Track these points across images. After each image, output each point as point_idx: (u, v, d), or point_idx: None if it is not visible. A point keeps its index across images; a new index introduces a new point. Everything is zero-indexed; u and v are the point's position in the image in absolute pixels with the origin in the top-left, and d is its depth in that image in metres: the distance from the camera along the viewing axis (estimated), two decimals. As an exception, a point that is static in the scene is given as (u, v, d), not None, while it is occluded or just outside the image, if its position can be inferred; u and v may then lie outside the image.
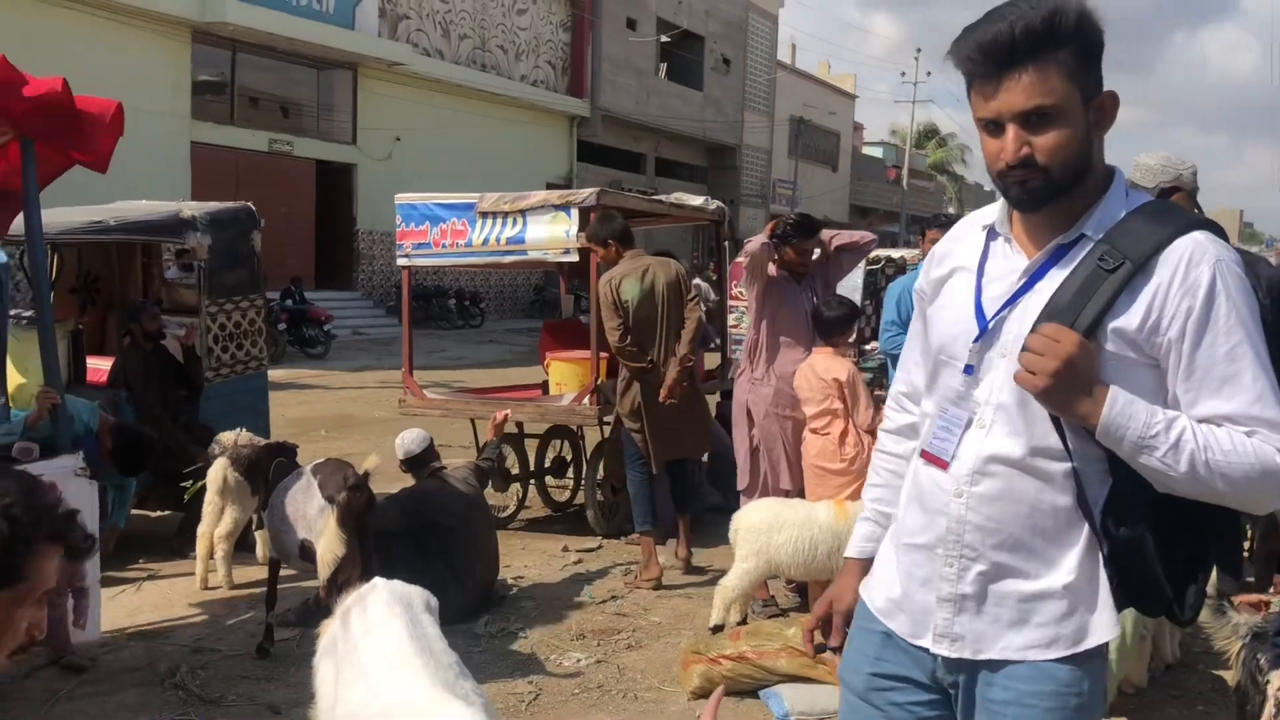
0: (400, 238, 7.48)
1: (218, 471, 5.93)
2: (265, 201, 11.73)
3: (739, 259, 6.92)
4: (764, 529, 5.17)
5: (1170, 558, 1.81)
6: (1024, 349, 1.76)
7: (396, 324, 20.94)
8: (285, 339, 18.14)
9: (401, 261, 7.60)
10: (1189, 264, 1.76)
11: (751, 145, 39.91)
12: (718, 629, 5.19)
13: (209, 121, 21.61)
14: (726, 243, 9.19)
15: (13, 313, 6.54)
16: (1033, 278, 1.87)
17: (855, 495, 5.33)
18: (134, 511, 7.42)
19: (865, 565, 2.12)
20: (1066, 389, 1.73)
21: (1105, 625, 1.86)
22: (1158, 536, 1.79)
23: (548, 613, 5.74)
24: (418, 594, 2.44)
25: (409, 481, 6.04)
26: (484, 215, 7.08)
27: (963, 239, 2.01)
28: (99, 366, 7.36)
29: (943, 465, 1.91)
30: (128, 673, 4.91)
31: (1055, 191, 1.81)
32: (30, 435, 4.87)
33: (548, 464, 7.95)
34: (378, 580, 2.52)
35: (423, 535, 5.50)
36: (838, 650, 2.11)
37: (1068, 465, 1.82)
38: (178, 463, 6.58)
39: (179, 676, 4.78)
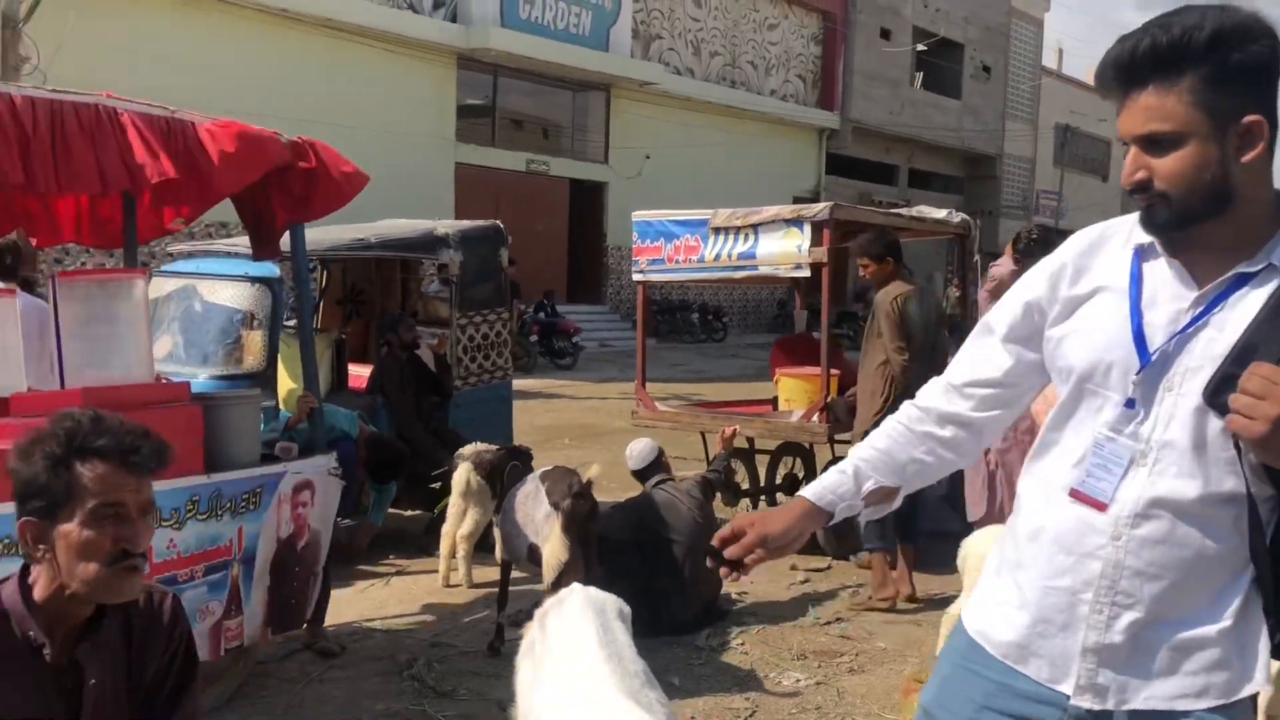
0: (636, 254, 7.66)
1: (462, 475, 6.24)
2: (521, 219, 12.31)
3: (986, 285, 6.67)
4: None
5: None
6: (1238, 391, 1.60)
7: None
8: (536, 350, 18.89)
9: (637, 277, 7.78)
10: None
11: (1013, 154, 38.38)
12: (944, 657, 5.00)
13: (471, 143, 22.84)
14: (975, 257, 8.85)
15: (287, 323, 7.14)
16: (1209, 306, 1.72)
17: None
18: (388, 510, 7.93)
19: (816, 512, 1.99)
20: None
21: (1260, 675, 1.74)
22: None
23: (770, 630, 5.70)
24: (611, 601, 2.49)
25: (638, 489, 6.16)
26: (717, 231, 7.15)
27: (1101, 254, 1.85)
28: (360, 374, 7.91)
29: (1100, 507, 1.76)
30: (372, 661, 5.24)
31: (1182, 219, 1.71)
32: (291, 435, 5.28)
33: (779, 480, 7.90)
34: (575, 586, 2.59)
35: (647, 545, 5.60)
36: (734, 569, 1.97)
37: (1241, 508, 1.69)
38: (427, 465, 7.00)
39: (416, 668, 5.06)
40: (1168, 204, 1.70)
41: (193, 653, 2.21)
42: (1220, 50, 1.63)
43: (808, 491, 2.00)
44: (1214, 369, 1.67)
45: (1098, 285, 1.83)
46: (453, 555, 6.47)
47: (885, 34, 32.83)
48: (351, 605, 5.96)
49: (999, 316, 1.96)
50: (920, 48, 33.68)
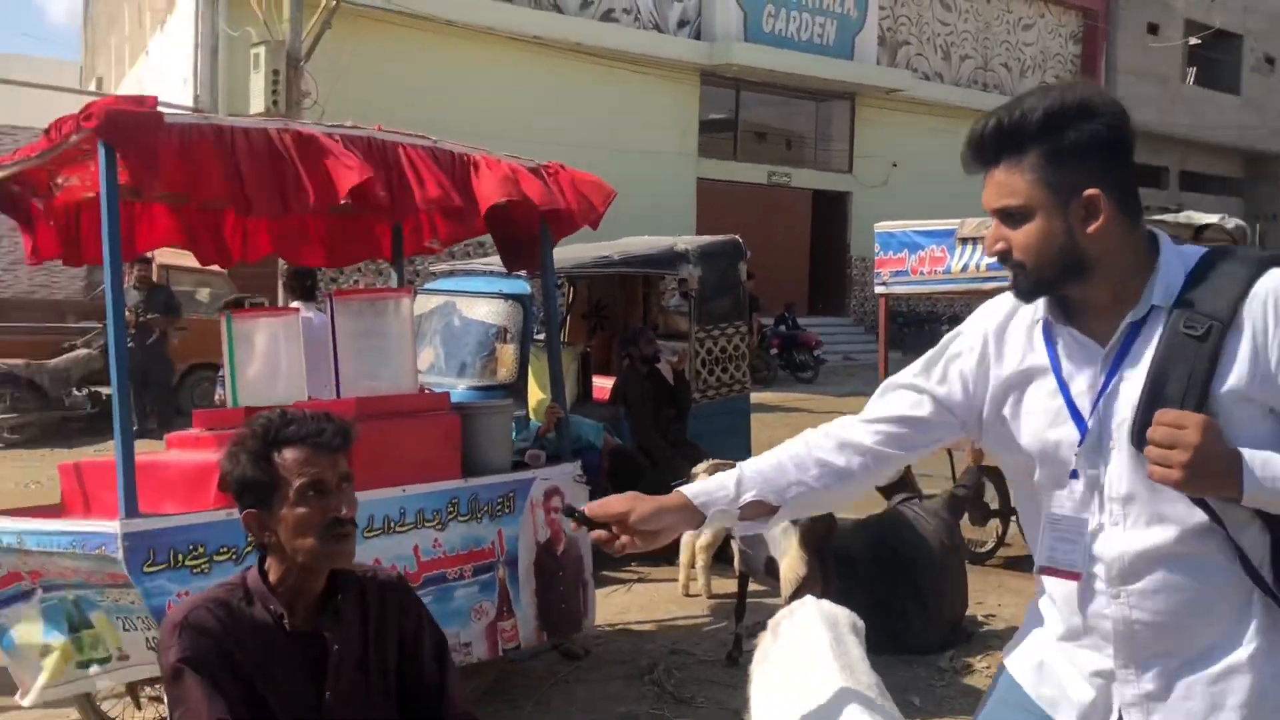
0: (879, 265, 7.54)
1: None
2: (763, 231, 12.28)
3: None
4: None
5: None
6: (1149, 443, 1.69)
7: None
8: (777, 363, 18.86)
9: (879, 289, 7.66)
10: (1276, 301, 1.72)
11: (1300, 153, 35.31)
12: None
13: (714, 158, 23.10)
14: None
15: (537, 336, 7.48)
16: (1115, 361, 1.81)
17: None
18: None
19: (690, 509, 1.97)
20: (1203, 473, 1.66)
21: None
22: None
23: (1017, 655, 5.48)
24: (844, 614, 2.47)
25: (881, 506, 6.07)
26: (964, 241, 6.95)
27: (1015, 332, 1.93)
28: (603, 385, 8.17)
29: (1075, 577, 1.83)
30: (614, 665, 5.40)
31: (1040, 285, 1.83)
32: (540, 444, 5.53)
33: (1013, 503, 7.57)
34: (808, 598, 2.59)
35: (888, 563, 5.51)
36: (584, 523, 1.97)
37: (1221, 535, 1.74)
38: (667, 476, 7.14)
39: (656, 674, 5.18)
40: (1025, 272, 1.82)
41: (435, 627, 2.38)
42: (1056, 129, 1.75)
43: (687, 488, 2.01)
44: (1132, 420, 1.75)
45: (1023, 367, 1.90)
46: (692, 565, 6.57)
47: (1153, 29, 30.92)
48: (598, 608, 6.15)
49: (925, 368, 2.01)
50: (1193, 41, 31.49)
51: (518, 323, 6.87)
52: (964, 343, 1.99)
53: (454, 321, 7.12)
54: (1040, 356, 1.87)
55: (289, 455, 2.15)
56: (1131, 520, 1.78)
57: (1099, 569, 1.80)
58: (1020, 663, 1.99)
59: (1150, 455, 1.69)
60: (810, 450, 2.02)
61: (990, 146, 1.81)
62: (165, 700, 2.29)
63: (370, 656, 2.25)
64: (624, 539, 1.97)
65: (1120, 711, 1.82)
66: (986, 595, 6.47)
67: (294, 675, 2.16)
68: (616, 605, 6.43)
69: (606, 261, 7.47)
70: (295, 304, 6.52)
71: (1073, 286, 1.82)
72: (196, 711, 2.03)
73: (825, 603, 2.54)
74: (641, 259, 7.70)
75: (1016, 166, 1.79)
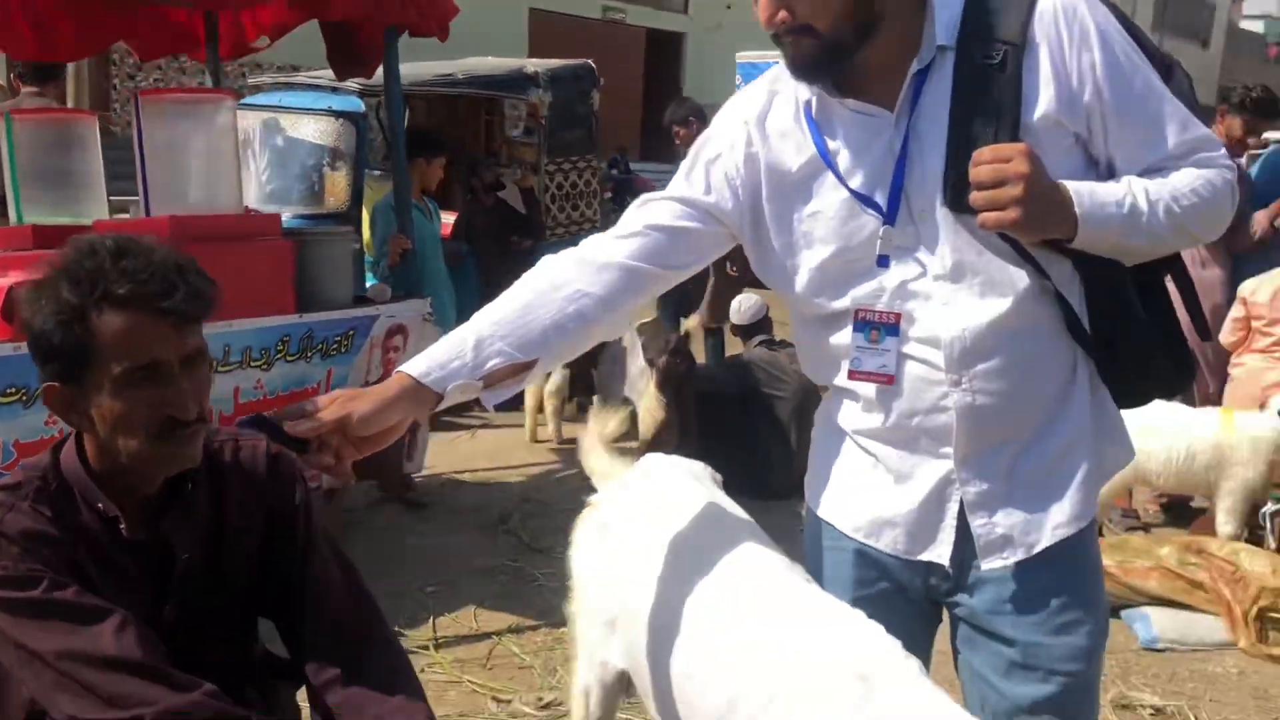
0: (738, 99, 7.16)
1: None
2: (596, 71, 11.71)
3: None
4: (1136, 433, 4.58)
5: (1165, 334, 1.69)
6: (973, 188, 1.50)
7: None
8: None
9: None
10: (1066, 18, 1.58)
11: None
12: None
13: (546, -13, 22.00)
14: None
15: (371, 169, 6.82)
16: (908, 121, 1.60)
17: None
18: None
19: (421, 392, 1.56)
20: (1040, 207, 1.50)
21: (1127, 449, 1.76)
22: (1147, 319, 1.67)
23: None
24: (700, 467, 2.16)
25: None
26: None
27: (773, 129, 1.69)
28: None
29: (888, 380, 1.64)
30: (464, 514, 5.08)
31: (834, 50, 1.58)
32: (385, 279, 5.03)
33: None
34: (659, 457, 2.26)
35: (749, 404, 5.31)
36: (287, 444, 1.51)
37: (1051, 294, 1.61)
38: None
39: (511, 524, 4.88)
40: (815, 38, 1.58)
41: (311, 504, 1.89)
42: None
43: (410, 366, 1.58)
44: (942, 179, 1.58)
45: (799, 162, 1.67)
46: (540, 410, 6.25)
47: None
48: (440, 455, 5.78)
49: (685, 177, 1.75)
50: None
51: (350, 144, 6.19)
52: (721, 142, 1.73)
53: (276, 142, 6.38)
54: (811, 147, 1.66)
55: (114, 322, 1.53)
56: (964, 296, 1.60)
57: (937, 358, 1.61)
58: (828, 503, 1.80)
59: (977, 201, 1.50)
60: (558, 284, 1.67)
61: None
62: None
63: (225, 558, 1.76)
64: (345, 455, 1.54)
65: (963, 514, 1.67)
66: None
67: (131, 588, 1.65)
68: (461, 453, 6.07)
69: (449, 80, 6.82)
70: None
71: (866, 48, 1.60)
72: (99, 633, 1.53)
73: (675, 457, 2.22)
74: (488, 80, 7.09)
75: None
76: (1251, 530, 4.57)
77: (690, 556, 1.85)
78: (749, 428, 5.23)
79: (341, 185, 6.32)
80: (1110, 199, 1.55)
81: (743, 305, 5.67)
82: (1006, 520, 1.66)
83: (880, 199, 1.61)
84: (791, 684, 1.52)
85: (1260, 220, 5.31)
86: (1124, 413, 1.71)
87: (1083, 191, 1.54)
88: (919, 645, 1.75)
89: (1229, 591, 3.92)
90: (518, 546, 4.65)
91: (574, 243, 1.83)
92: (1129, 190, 1.56)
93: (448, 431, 6.39)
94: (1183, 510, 5.24)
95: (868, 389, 1.68)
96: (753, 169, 1.70)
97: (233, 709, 1.58)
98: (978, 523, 1.66)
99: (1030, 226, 1.51)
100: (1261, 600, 3.88)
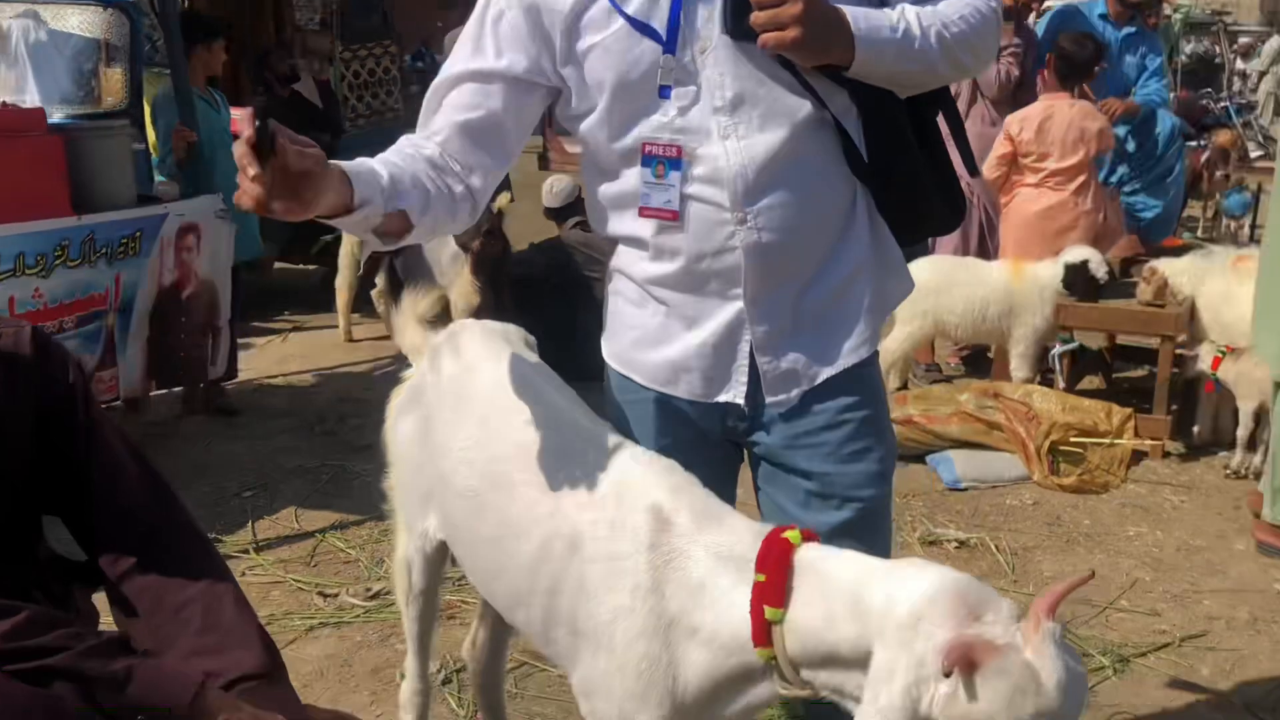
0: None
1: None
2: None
3: None
4: (932, 289, 4.79)
5: (937, 168, 1.73)
6: (753, 9, 1.48)
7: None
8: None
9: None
10: None
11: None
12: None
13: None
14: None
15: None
16: None
17: (1044, 256, 4.88)
18: (278, 265, 7.44)
19: (344, 188, 1.42)
20: (819, 28, 1.49)
21: (906, 282, 1.81)
22: (921, 152, 1.70)
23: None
24: (513, 329, 2.11)
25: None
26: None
27: None
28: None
29: (672, 216, 1.63)
30: (279, 418, 4.92)
31: None
32: (173, 176, 4.74)
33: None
34: (464, 321, 2.20)
35: (567, 286, 5.28)
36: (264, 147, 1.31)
37: (830, 126, 1.62)
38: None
39: (329, 424, 4.76)
40: None
41: (89, 388, 1.76)
42: None
43: (347, 164, 1.48)
44: (720, 4, 1.56)
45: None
46: (353, 310, 6.08)
47: None
48: (250, 361, 5.57)
49: (474, 48, 1.67)
50: None
51: (124, 36, 5.72)
52: (500, 1, 1.66)
53: (39, 37, 5.86)
54: None
55: None
56: (744, 128, 1.59)
57: (721, 196, 1.61)
58: (624, 356, 1.80)
59: (758, 20, 1.49)
60: (426, 171, 1.60)
61: None
62: None
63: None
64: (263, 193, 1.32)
65: (751, 359, 1.70)
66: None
67: None
68: (273, 356, 5.87)
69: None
70: None
71: None
72: None
73: (487, 321, 2.16)
74: (270, -37, 6.66)
75: None
76: (1043, 375, 4.86)
77: (498, 418, 1.81)
78: (566, 311, 5.20)
79: (118, 82, 5.86)
80: (885, 24, 1.56)
81: (554, 187, 5.59)
82: (793, 356, 1.70)
83: (659, 26, 1.57)
84: (594, 528, 1.53)
85: (1112, 103, 5.45)
86: (923, 268, 1.74)
87: (858, 15, 1.54)
88: (725, 488, 1.79)
89: (1023, 430, 4.17)
90: (337, 446, 4.54)
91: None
92: (902, 16, 1.57)
93: (258, 337, 6.16)
94: (980, 362, 5.53)
95: (659, 238, 1.67)
96: (533, 14, 1.63)
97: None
98: (764, 361, 1.69)
99: (810, 46, 1.50)
100: (1052, 435, 4.15)
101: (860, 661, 1.28)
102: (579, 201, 5.63)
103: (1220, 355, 4.14)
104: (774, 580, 1.35)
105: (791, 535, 1.41)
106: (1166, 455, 4.39)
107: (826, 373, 1.70)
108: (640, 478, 1.54)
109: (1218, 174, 8.29)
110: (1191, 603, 3.26)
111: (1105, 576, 3.41)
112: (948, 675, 1.19)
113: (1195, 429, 4.46)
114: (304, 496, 4.05)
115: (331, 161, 1.43)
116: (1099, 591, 3.31)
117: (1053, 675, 1.19)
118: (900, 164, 1.68)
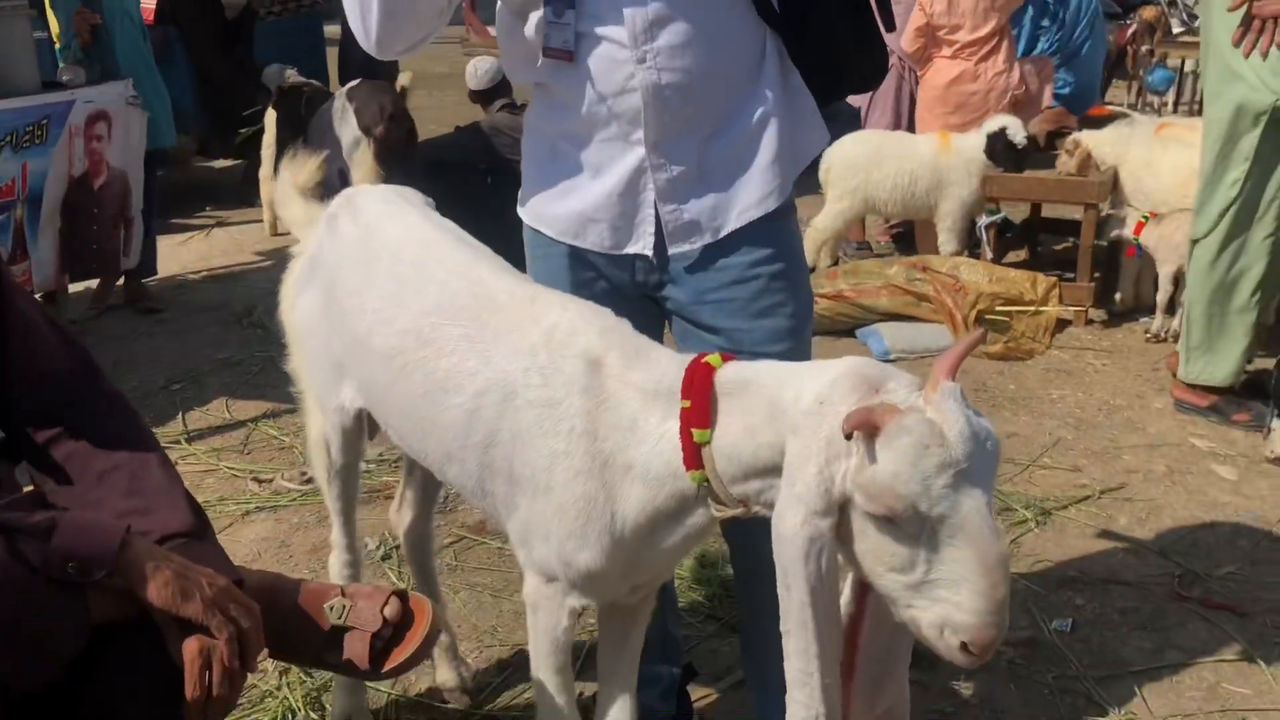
0: None
1: (272, 116, 5.63)
2: None
3: None
4: (862, 165, 4.79)
5: (853, 14, 1.71)
6: None
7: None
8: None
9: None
10: None
11: None
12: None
13: None
14: None
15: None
16: None
17: (964, 128, 4.90)
18: (199, 163, 7.24)
19: None
20: None
21: (819, 138, 1.78)
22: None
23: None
24: (412, 192, 2.04)
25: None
26: None
27: None
28: (144, 5, 6.89)
29: (568, 56, 1.61)
30: (204, 312, 4.84)
31: None
32: (79, 62, 4.55)
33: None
34: (358, 186, 2.12)
35: (494, 170, 5.20)
36: None
37: None
38: (234, 104, 6.28)
39: (256, 315, 4.68)
40: None
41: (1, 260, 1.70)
42: None
43: None
44: None
45: None
46: (277, 202, 5.93)
47: None
48: (172, 258, 5.44)
49: None
50: None
51: (17, -83, 5.44)
52: None
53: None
54: None
55: None
56: None
57: (620, 34, 1.59)
58: (535, 210, 1.80)
59: None
60: None
61: None
62: None
63: None
64: None
65: (656, 209, 1.69)
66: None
67: None
68: (196, 252, 5.74)
69: None
70: None
71: None
72: None
73: (382, 185, 2.09)
74: None
75: None
76: (970, 249, 4.92)
77: (413, 274, 1.76)
78: (495, 195, 5.12)
79: (13, -36, 5.60)
80: None
81: (478, 69, 5.45)
82: (696, 206, 1.68)
83: None
84: (526, 376, 1.52)
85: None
86: (850, 144, 1.72)
87: None
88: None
89: (951, 300, 4.23)
90: (265, 338, 4.47)
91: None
92: None
93: (180, 234, 6.01)
94: (909, 241, 5.57)
95: (561, 83, 1.65)
96: None
97: None
98: (667, 210, 1.68)
99: None
100: (980, 305, 4.22)
101: (781, 467, 1.30)
102: (504, 84, 5.51)
103: (1143, 220, 4.22)
104: (698, 404, 1.37)
105: (712, 359, 1.42)
106: (1090, 322, 4.48)
107: (731, 225, 1.69)
108: (569, 323, 1.53)
109: (1142, 49, 8.32)
110: (1111, 458, 3.37)
111: (1029, 437, 3.51)
112: (849, 438, 1.21)
113: (1118, 296, 4.56)
114: (234, 388, 4.00)
115: None
116: (1022, 450, 3.41)
117: (954, 427, 1.19)
118: (815, 13, 1.66)
